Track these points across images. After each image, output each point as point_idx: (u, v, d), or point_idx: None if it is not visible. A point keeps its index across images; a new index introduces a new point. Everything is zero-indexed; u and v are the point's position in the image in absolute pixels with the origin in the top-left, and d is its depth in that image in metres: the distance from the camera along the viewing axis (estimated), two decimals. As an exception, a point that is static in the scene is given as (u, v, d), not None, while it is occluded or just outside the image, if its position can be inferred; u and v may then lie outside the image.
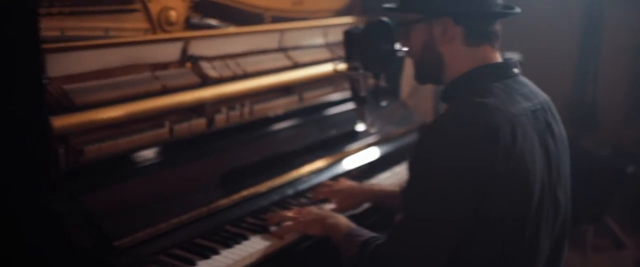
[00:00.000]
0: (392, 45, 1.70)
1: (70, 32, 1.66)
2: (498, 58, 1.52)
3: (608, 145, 3.39)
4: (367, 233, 1.57)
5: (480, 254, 1.39)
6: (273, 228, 1.71)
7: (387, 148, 2.39)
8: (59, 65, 1.60)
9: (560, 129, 1.55)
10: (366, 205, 1.94)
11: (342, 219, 1.68)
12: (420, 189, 1.41)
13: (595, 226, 3.25)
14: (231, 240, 1.64)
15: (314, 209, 1.79)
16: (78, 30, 1.68)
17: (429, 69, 1.56)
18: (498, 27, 1.52)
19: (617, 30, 3.73)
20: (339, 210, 1.82)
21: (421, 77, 1.61)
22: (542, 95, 1.55)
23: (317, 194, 1.95)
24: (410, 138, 2.54)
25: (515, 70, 1.52)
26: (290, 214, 1.74)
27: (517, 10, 1.54)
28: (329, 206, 1.87)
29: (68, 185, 1.54)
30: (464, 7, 1.47)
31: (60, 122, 1.54)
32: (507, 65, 1.51)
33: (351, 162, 2.22)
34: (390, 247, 1.44)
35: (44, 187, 1.49)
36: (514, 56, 1.60)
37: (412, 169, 1.44)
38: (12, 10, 1.41)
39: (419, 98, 2.91)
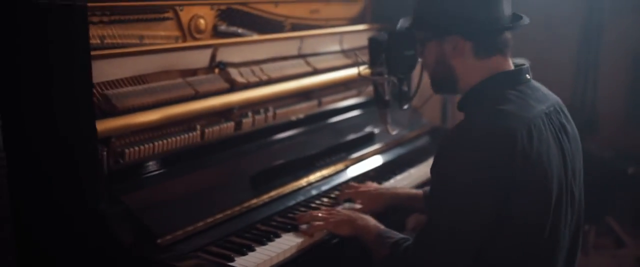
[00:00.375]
0: (415, 52, 1.79)
1: (109, 40, 1.74)
2: (510, 66, 1.60)
3: (609, 148, 3.49)
4: (397, 234, 1.65)
5: (504, 251, 1.48)
6: (303, 227, 1.78)
7: (400, 151, 2.49)
8: (101, 72, 1.67)
9: (573, 128, 1.63)
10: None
11: (371, 221, 1.76)
12: (444, 195, 1.49)
13: (597, 226, 3.35)
14: (264, 238, 1.71)
15: (343, 210, 1.86)
16: (116, 38, 1.76)
17: (443, 81, 1.65)
18: (508, 36, 1.60)
19: (615, 38, 3.84)
20: (364, 210, 1.89)
21: (437, 88, 1.70)
22: (554, 98, 1.64)
23: (343, 194, 2.02)
24: (422, 141, 2.64)
25: (528, 76, 1.60)
26: (320, 214, 1.81)
27: (525, 21, 1.61)
28: (356, 207, 1.95)
29: (111, 186, 1.62)
30: (471, 25, 1.55)
31: (104, 125, 1.61)
32: (519, 72, 1.59)
33: (368, 164, 2.31)
34: (419, 249, 1.52)
35: (91, 188, 1.56)
36: (524, 62, 1.69)
37: (435, 177, 1.52)
38: (67, 20, 1.49)
39: (427, 103, 3.00)
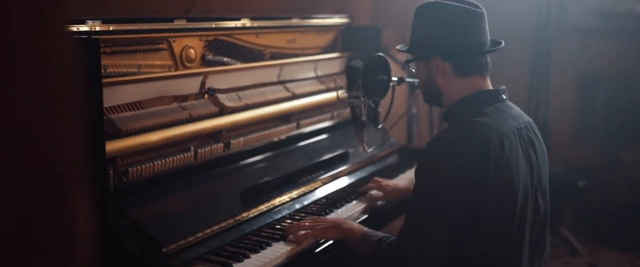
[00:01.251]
0: (388, 76, 2.01)
1: (111, 69, 1.91)
2: (489, 86, 1.84)
3: (560, 164, 3.77)
4: (379, 233, 1.85)
5: (476, 245, 1.69)
6: (291, 236, 1.96)
7: (373, 168, 2.69)
8: (105, 98, 1.83)
9: (541, 146, 1.86)
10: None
11: (355, 224, 1.96)
12: (425, 190, 1.72)
13: (552, 235, 3.60)
14: (257, 246, 1.88)
15: (327, 218, 2.05)
16: (117, 67, 1.93)
17: (431, 95, 1.89)
18: (487, 59, 1.84)
19: (563, 62, 4.16)
20: (384, 199, 2.26)
21: (426, 100, 1.95)
22: (527, 118, 1.87)
23: (368, 187, 2.31)
24: (391, 159, 2.85)
25: (504, 97, 1.84)
26: (307, 223, 2.00)
27: (501, 45, 1.85)
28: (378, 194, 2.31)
29: (117, 201, 1.77)
30: (450, 48, 1.79)
31: (110, 146, 1.77)
32: (496, 92, 1.83)
33: (345, 180, 2.51)
34: (402, 240, 1.73)
35: (102, 204, 1.72)
36: (501, 87, 1.92)
37: (418, 176, 1.74)
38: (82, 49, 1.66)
39: (395, 125, 3.23)
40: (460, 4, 1.77)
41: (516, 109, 1.86)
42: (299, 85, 2.59)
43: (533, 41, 4.10)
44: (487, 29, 1.83)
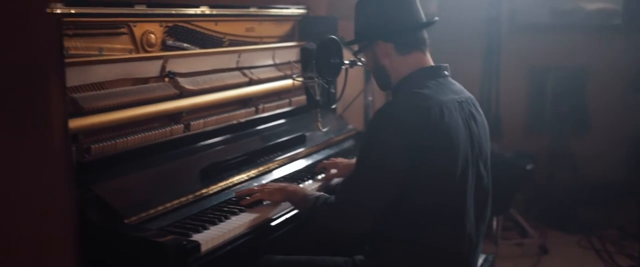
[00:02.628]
0: (340, 58, 2.13)
1: (73, 50, 1.98)
2: (430, 62, 1.98)
3: (511, 149, 3.95)
4: (320, 193, 2.00)
5: (418, 205, 1.82)
6: (245, 200, 2.09)
7: (329, 151, 2.80)
8: (67, 78, 1.91)
9: (482, 119, 2.00)
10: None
11: (299, 187, 2.12)
12: (368, 151, 1.85)
13: (504, 218, 3.77)
14: (216, 219, 1.97)
15: (275, 183, 2.19)
16: (78, 49, 2.00)
17: (381, 78, 2.02)
18: (424, 35, 1.97)
19: (514, 55, 4.34)
20: (340, 176, 2.40)
21: (381, 85, 2.07)
22: (468, 94, 2.00)
23: (323, 164, 2.47)
24: (348, 143, 2.97)
25: (446, 72, 1.97)
26: (256, 187, 2.15)
27: (435, 19, 1.99)
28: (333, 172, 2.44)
29: (81, 177, 1.85)
30: (388, 28, 1.93)
31: (73, 123, 1.85)
32: (438, 67, 1.97)
33: (302, 162, 2.61)
34: (341, 194, 1.87)
35: (66, 178, 1.79)
36: (444, 64, 2.05)
37: (364, 140, 1.87)
38: (43, 32, 1.73)
39: (351, 112, 3.35)
40: None
41: (457, 85, 1.99)
42: (257, 72, 2.68)
43: (485, 35, 4.27)
44: (420, 9, 1.98)
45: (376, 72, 2.02)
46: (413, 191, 1.81)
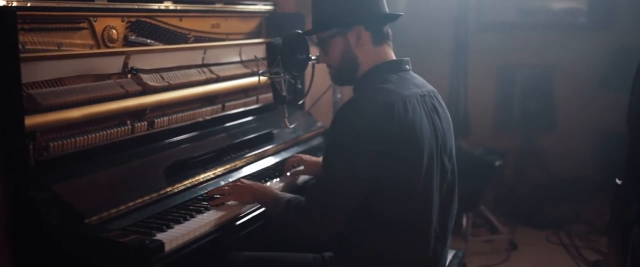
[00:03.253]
0: (306, 54, 2.09)
1: (30, 45, 1.91)
2: (393, 56, 1.95)
3: (479, 146, 3.96)
4: (290, 195, 1.95)
5: (386, 203, 1.80)
6: (213, 201, 2.03)
7: (297, 149, 2.77)
8: (24, 74, 1.84)
9: (445, 111, 1.98)
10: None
11: (269, 188, 2.06)
12: (334, 151, 1.81)
13: (473, 214, 3.78)
14: (181, 218, 1.92)
15: (245, 181, 2.13)
16: (36, 44, 1.93)
17: (347, 71, 1.96)
18: (389, 29, 1.96)
19: (483, 53, 4.37)
20: (307, 173, 2.37)
21: (341, 79, 2.02)
22: (430, 87, 1.99)
23: (290, 162, 2.40)
24: (316, 141, 2.94)
25: (407, 67, 1.95)
26: (225, 187, 2.09)
27: (400, 13, 1.97)
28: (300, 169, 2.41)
29: (39, 176, 1.78)
30: (370, 17, 1.89)
31: (30, 121, 1.78)
32: (400, 62, 1.95)
33: (270, 160, 2.57)
34: (311, 197, 1.83)
35: (21, 178, 1.72)
36: (405, 58, 2.03)
37: (328, 140, 1.84)
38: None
39: (319, 109, 3.32)
40: None
41: (419, 79, 1.98)
42: (223, 69, 2.64)
43: (453, 33, 4.28)
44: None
45: (344, 63, 1.95)
46: (380, 187, 1.79)
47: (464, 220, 3.60)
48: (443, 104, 1.99)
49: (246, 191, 2.04)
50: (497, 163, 3.60)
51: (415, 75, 1.98)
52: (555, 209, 4.24)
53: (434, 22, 4.28)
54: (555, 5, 4.66)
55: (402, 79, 1.88)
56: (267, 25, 3.06)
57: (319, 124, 3.05)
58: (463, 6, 4.25)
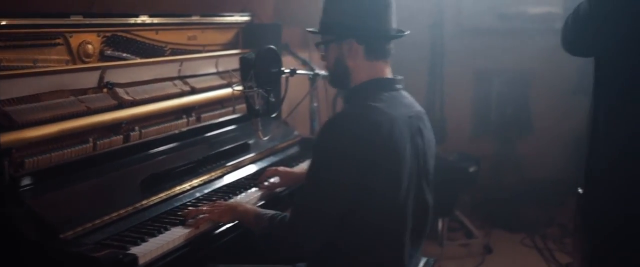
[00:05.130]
0: (279, 67, 2.14)
1: (5, 63, 1.94)
2: (389, 74, 1.98)
3: (455, 152, 4.03)
4: (272, 211, 1.98)
5: (360, 219, 1.84)
6: (191, 221, 2.05)
7: (274, 159, 2.82)
8: (-1, 91, 1.88)
9: (429, 134, 2.02)
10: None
11: (249, 206, 2.08)
12: (319, 166, 1.85)
13: (450, 220, 3.85)
14: (155, 231, 1.96)
15: (224, 202, 2.16)
16: (12, 61, 1.96)
17: (339, 77, 2.00)
18: (391, 46, 1.98)
19: (459, 58, 4.43)
20: (283, 185, 2.41)
21: (334, 83, 2.07)
22: (419, 108, 2.03)
23: (265, 175, 2.44)
24: (293, 150, 2.99)
25: (399, 86, 1.99)
26: (205, 207, 2.10)
27: (407, 32, 2.01)
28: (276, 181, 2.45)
29: (14, 191, 1.82)
30: (364, 31, 1.92)
31: (6, 138, 1.82)
32: (393, 80, 1.98)
33: (246, 170, 2.62)
34: (295, 213, 1.87)
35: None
36: (398, 77, 2.07)
37: (314, 151, 1.88)
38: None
39: (296, 118, 3.37)
40: None
41: (409, 99, 2.02)
42: (199, 81, 2.68)
43: (430, 39, 4.35)
44: (393, 17, 1.97)
45: (337, 70, 1.99)
46: (357, 205, 1.83)
47: (440, 225, 3.67)
48: (428, 125, 2.03)
49: (226, 211, 2.06)
50: (472, 169, 3.67)
51: (406, 94, 2.01)
52: (531, 213, 4.32)
53: (411, 28, 4.34)
54: (532, 10, 4.73)
55: (393, 99, 1.92)
56: (244, 35, 3.10)
57: (296, 133, 3.10)
58: (440, 12, 4.32)
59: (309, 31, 2.04)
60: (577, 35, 1.92)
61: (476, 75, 4.65)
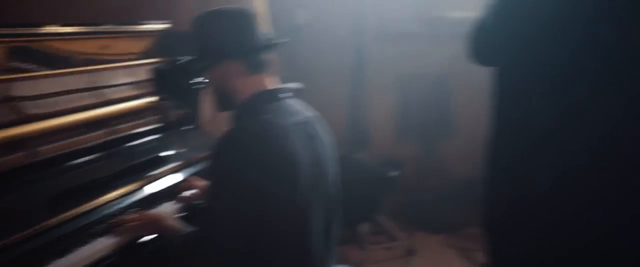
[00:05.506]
0: (194, 79, 2.12)
1: None
2: (273, 85, 2.01)
3: (378, 157, 4.10)
4: (190, 229, 1.98)
5: (264, 231, 1.85)
6: (113, 233, 2.03)
7: (192, 170, 2.78)
8: None
9: (325, 136, 2.06)
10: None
11: (173, 220, 2.09)
12: (218, 184, 1.86)
13: (371, 223, 3.91)
14: (65, 251, 1.91)
15: (149, 213, 2.15)
16: None
17: (224, 100, 2.03)
18: (270, 57, 2.00)
19: (382, 64, 4.50)
20: (200, 197, 2.38)
21: (221, 106, 2.07)
22: (310, 113, 2.05)
23: (182, 187, 2.43)
24: (213, 160, 2.95)
25: (285, 95, 2.01)
26: (128, 218, 2.09)
27: (284, 40, 2.03)
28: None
29: None
30: (238, 49, 1.95)
31: None
32: (278, 90, 2.01)
33: (164, 182, 2.57)
34: (203, 231, 1.87)
35: None
36: (294, 86, 2.10)
37: (210, 168, 1.88)
38: None
39: (218, 126, 3.34)
40: (234, 7, 1.94)
41: (298, 106, 2.05)
42: (114, 91, 2.61)
43: (352, 44, 4.40)
44: (262, 27, 2.01)
45: (222, 91, 2.02)
46: (259, 216, 1.84)
47: (362, 230, 3.72)
48: (322, 129, 2.06)
49: (150, 224, 2.06)
50: (393, 174, 3.74)
51: (294, 102, 2.04)
52: (453, 213, 4.43)
53: (333, 34, 4.39)
54: (453, 15, 4.84)
55: (280, 109, 1.95)
56: (161, 44, 3.04)
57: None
58: (361, 17, 4.37)
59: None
60: (482, 46, 1.97)
61: (399, 80, 4.73)
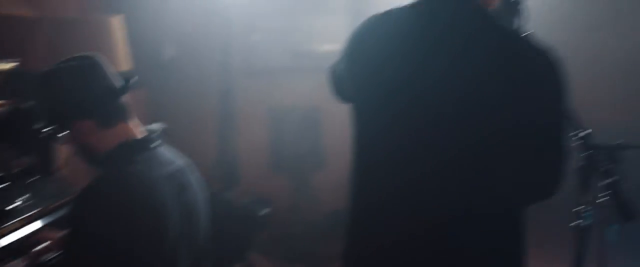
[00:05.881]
0: (42, 125, 1.99)
1: None
2: (138, 133, 1.90)
3: (249, 195, 4.06)
4: None
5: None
6: None
7: (48, 219, 2.59)
8: None
9: (197, 185, 1.99)
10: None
11: None
12: (74, 238, 1.76)
13: (242, 263, 3.85)
14: None
15: None
16: None
17: (88, 155, 1.90)
18: (125, 103, 1.89)
19: (249, 99, 4.49)
20: (52, 249, 2.18)
21: (85, 160, 1.94)
22: (181, 161, 1.98)
23: (33, 242, 2.21)
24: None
25: (153, 144, 1.92)
26: None
27: (132, 81, 1.92)
28: None
29: None
30: (84, 106, 1.83)
31: None
32: (146, 140, 1.90)
33: (10, 238, 2.37)
34: None
35: None
36: (157, 126, 2.01)
37: (69, 223, 1.79)
38: None
39: (77, 171, 3.16)
40: (72, 62, 1.84)
41: (167, 155, 1.96)
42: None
43: (220, 80, 4.35)
44: (110, 73, 1.89)
45: (81, 150, 1.91)
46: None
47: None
48: (194, 177, 2.00)
49: None
50: (263, 212, 3.71)
51: (165, 150, 1.96)
52: (327, 244, 4.45)
53: (200, 69, 4.33)
54: (321, 48, 4.93)
55: (148, 160, 1.86)
56: (12, 84, 2.84)
57: (75, 188, 2.89)
58: (228, 52, 4.34)
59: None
60: (336, 86, 2.04)
61: (269, 114, 4.73)
